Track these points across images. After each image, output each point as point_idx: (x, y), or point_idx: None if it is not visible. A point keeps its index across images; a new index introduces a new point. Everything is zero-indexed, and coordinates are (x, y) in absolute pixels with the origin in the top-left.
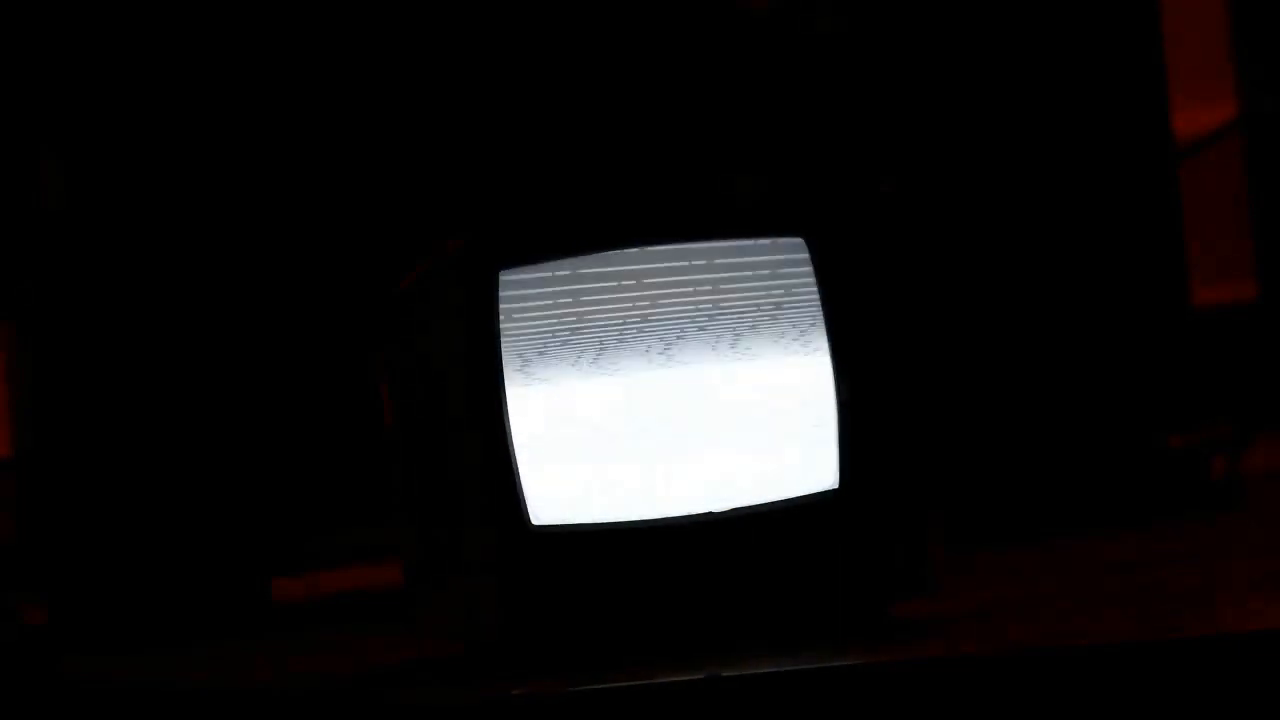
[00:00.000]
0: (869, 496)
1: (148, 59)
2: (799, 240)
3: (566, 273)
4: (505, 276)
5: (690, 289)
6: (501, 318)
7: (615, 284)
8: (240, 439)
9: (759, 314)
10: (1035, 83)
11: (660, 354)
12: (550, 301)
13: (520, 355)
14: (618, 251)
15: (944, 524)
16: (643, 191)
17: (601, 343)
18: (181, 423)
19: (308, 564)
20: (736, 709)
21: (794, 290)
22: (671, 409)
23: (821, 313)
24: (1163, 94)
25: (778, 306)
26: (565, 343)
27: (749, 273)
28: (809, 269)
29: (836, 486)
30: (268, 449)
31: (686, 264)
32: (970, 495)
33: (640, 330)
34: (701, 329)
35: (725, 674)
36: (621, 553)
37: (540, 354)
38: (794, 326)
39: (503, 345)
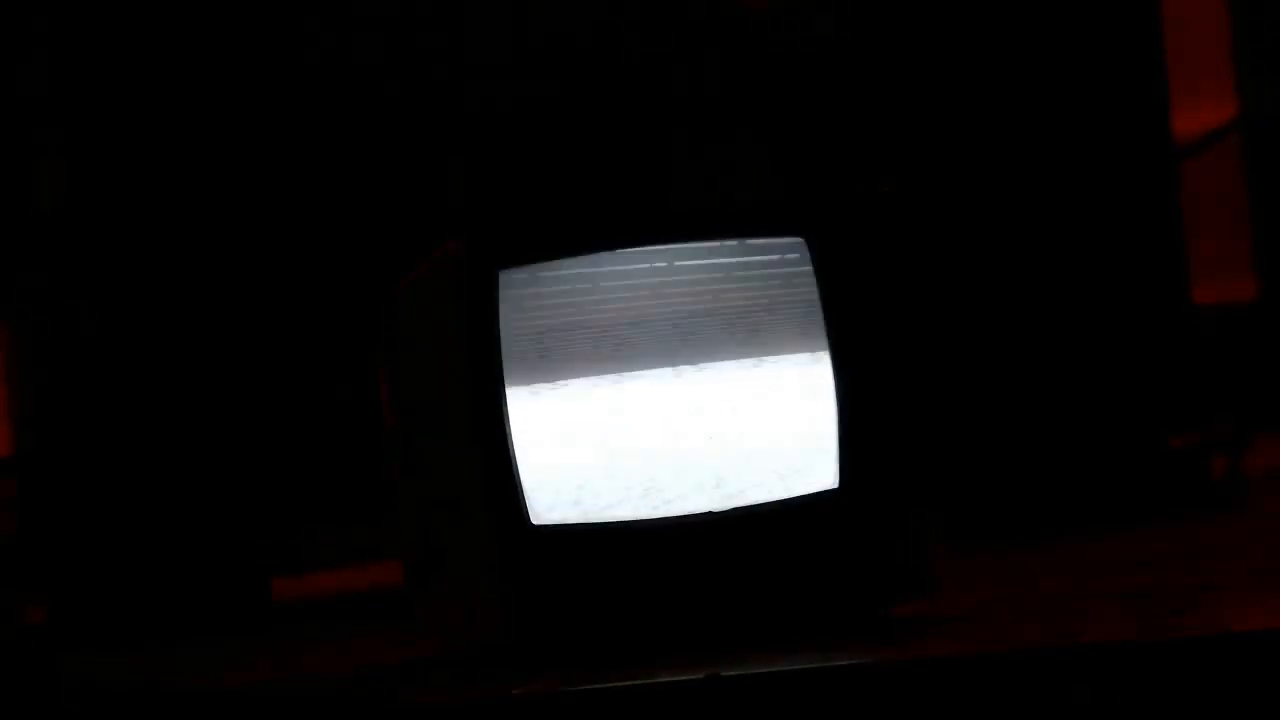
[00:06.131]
0: (869, 496)
1: (147, 58)
2: (799, 240)
3: (566, 272)
4: (505, 276)
5: (690, 289)
6: (501, 317)
7: (616, 284)
8: (240, 439)
9: (759, 314)
10: (1035, 83)
11: (660, 353)
12: (550, 301)
13: (520, 355)
14: (618, 251)
15: (944, 524)
16: (643, 192)
17: (602, 342)
18: (181, 422)
19: (308, 564)
20: (736, 709)
21: (794, 290)
22: (671, 409)
23: (821, 312)
24: (1163, 94)
25: (777, 307)
26: (565, 342)
27: (749, 273)
28: (808, 269)
29: (836, 486)
30: (268, 449)
31: (686, 264)
32: (970, 495)
33: (640, 330)
34: (702, 328)
35: (725, 674)
36: (621, 552)
37: (540, 353)
38: (794, 326)
39: (502, 345)
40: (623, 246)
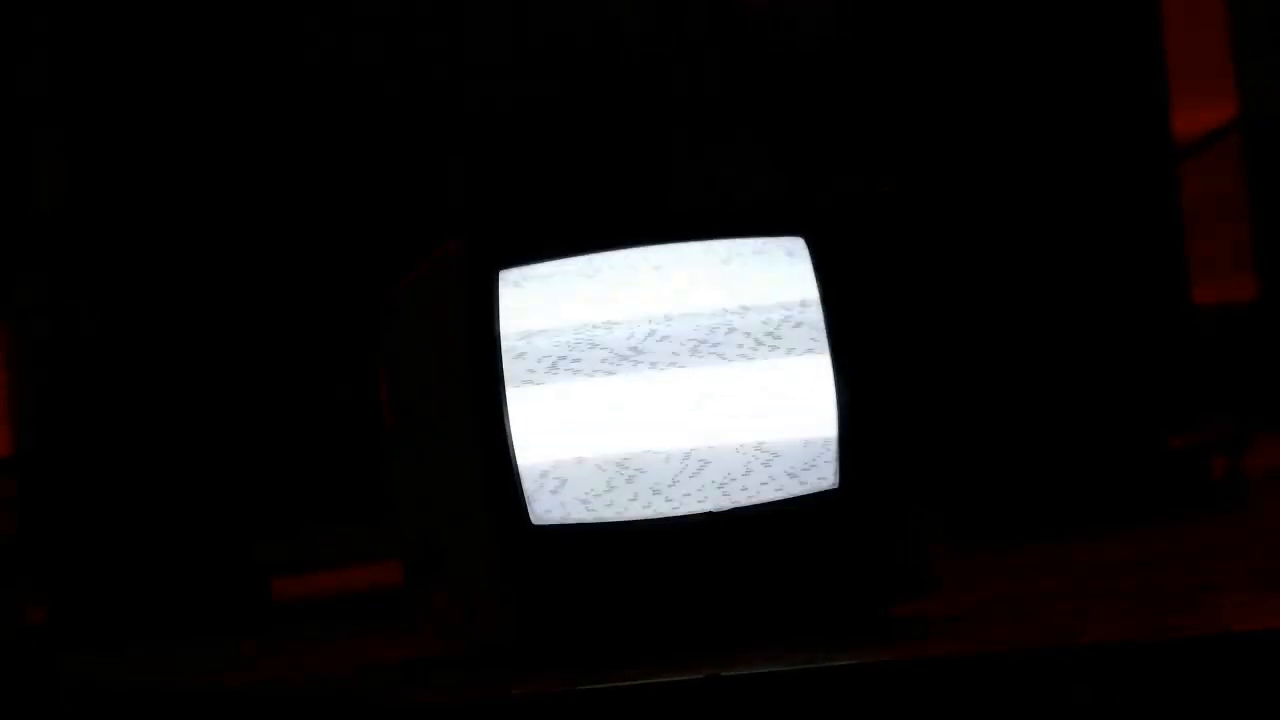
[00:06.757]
0: (869, 496)
1: (147, 59)
2: (799, 240)
3: (566, 272)
4: (505, 276)
5: (690, 288)
6: (501, 317)
7: (615, 284)
8: (240, 438)
9: (758, 314)
10: (1035, 83)
11: (660, 353)
12: (550, 301)
13: (520, 355)
14: (617, 251)
15: (943, 524)
16: (643, 191)
17: (602, 342)
18: (181, 422)
19: (308, 564)
20: (736, 709)
21: (794, 290)
22: (671, 408)
23: (821, 312)
24: (1163, 94)
25: (778, 306)
26: (565, 342)
27: (749, 272)
28: (808, 268)
29: (836, 486)
30: (268, 449)
31: (686, 263)
32: (970, 495)
33: (640, 330)
34: (701, 328)
35: (725, 674)
36: (621, 552)
37: (540, 354)
38: (794, 326)
39: (502, 345)
40: (623, 246)
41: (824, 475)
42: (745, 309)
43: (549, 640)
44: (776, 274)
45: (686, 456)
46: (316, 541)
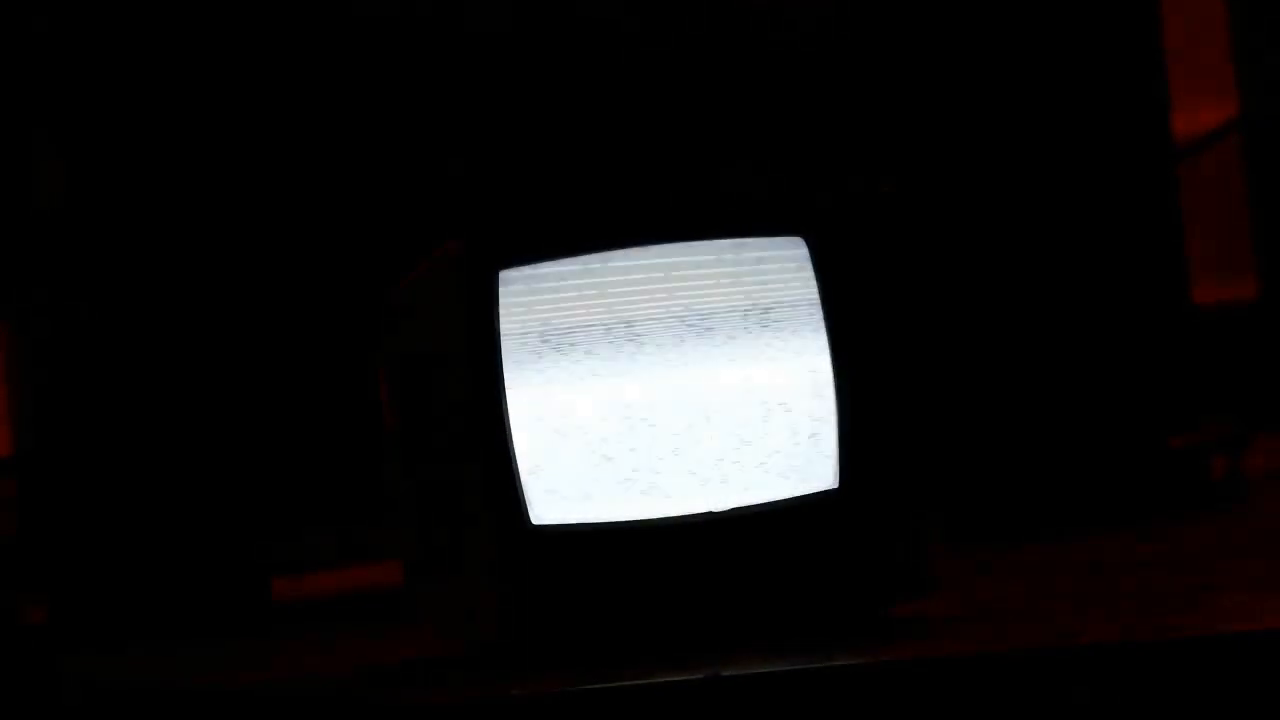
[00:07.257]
0: (869, 496)
1: (147, 59)
2: (799, 240)
3: (566, 272)
4: (505, 276)
5: (691, 288)
6: (501, 317)
7: (615, 284)
8: (240, 439)
9: (759, 314)
10: (1035, 83)
11: (660, 353)
12: (550, 301)
13: (520, 355)
14: (617, 251)
15: (944, 524)
16: (643, 191)
17: (602, 342)
18: (181, 422)
19: (308, 564)
20: (736, 709)
21: (794, 290)
22: (671, 409)
23: (821, 312)
24: (1163, 94)
25: (778, 306)
26: (565, 342)
27: (749, 272)
28: (808, 268)
29: (836, 486)
30: (268, 449)
31: (686, 263)
32: (971, 495)
33: (641, 330)
34: (702, 328)
35: (725, 674)
36: (621, 552)
37: (540, 354)
38: (794, 326)
39: (503, 345)
40: (623, 246)
41: (824, 475)
42: (746, 309)
43: (549, 640)
44: (776, 274)
45: (687, 456)
46: (316, 541)
